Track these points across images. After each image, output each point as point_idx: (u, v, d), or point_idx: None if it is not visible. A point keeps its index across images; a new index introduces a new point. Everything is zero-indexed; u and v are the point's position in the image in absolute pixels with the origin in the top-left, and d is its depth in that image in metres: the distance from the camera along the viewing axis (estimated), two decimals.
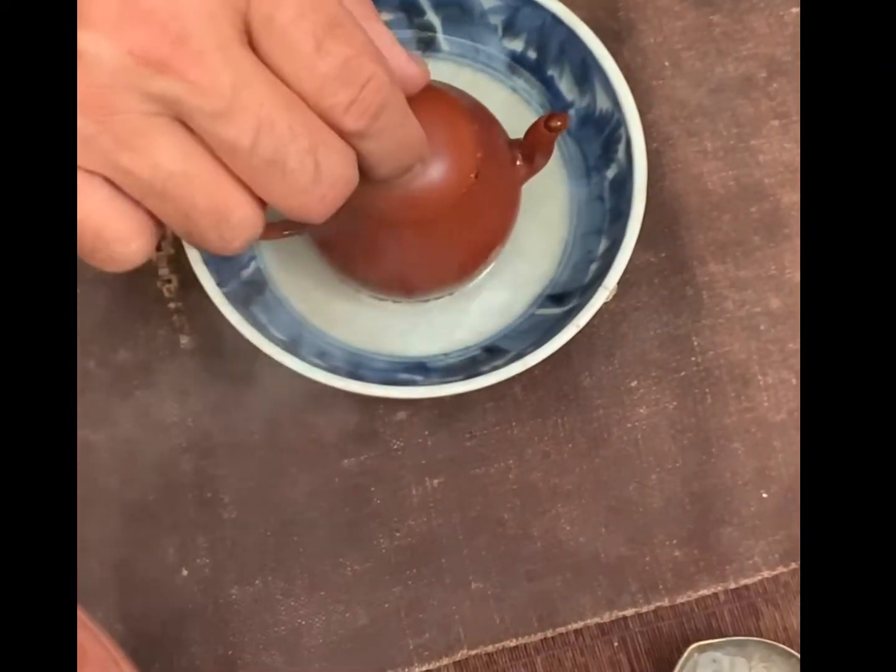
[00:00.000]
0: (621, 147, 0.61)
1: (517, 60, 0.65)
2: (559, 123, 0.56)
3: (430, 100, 0.56)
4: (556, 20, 0.62)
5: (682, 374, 0.64)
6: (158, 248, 0.65)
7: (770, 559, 0.63)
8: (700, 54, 0.68)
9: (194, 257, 0.59)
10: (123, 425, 0.63)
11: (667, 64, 0.67)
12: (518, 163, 0.59)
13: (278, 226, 0.61)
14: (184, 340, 0.64)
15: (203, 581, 0.62)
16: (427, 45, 0.66)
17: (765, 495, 0.63)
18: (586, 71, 0.62)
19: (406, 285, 0.61)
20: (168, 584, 0.62)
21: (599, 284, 0.59)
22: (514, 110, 0.65)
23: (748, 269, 0.65)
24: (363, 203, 0.55)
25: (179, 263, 0.64)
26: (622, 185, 0.61)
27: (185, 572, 0.62)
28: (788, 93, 0.67)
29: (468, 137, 0.55)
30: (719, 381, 0.64)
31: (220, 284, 0.59)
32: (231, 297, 0.59)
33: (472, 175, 0.55)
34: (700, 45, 0.68)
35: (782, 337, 0.64)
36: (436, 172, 0.54)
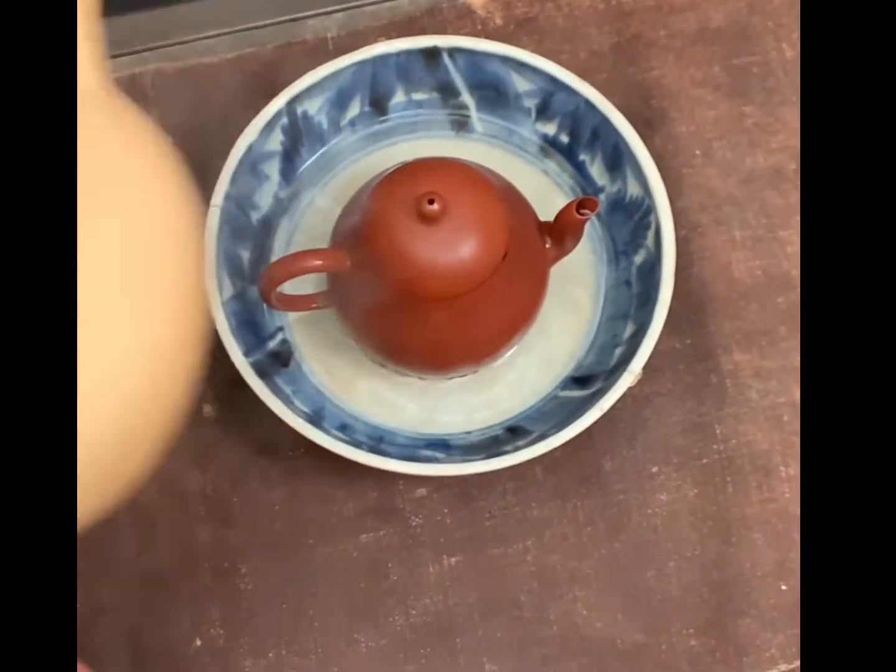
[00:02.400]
0: (650, 234, 0.62)
1: (550, 143, 0.66)
2: (590, 208, 0.56)
3: (463, 180, 0.56)
4: (590, 106, 0.63)
5: (704, 461, 0.64)
6: None
7: (787, 653, 0.62)
8: (731, 144, 0.68)
9: (222, 327, 0.59)
10: (143, 493, 0.63)
11: (698, 153, 0.68)
12: (547, 245, 0.60)
13: (306, 298, 0.62)
14: (207, 409, 0.64)
15: (216, 652, 0.62)
16: (461, 125, 0.66)
17: (784, 587, 0.62)
18: (618, 157, 0.63)
19: (431, 362, 0.61)
20: (181, 653, 0.62)
21: (624, 369, 0.59)
22: (545, 192, 0.65)
23: (773, 359, 0.65)
24: (391, 279, 0.55)
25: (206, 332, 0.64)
26: (650, 271, 0.62)
27: (198, 642, 0.62)
28: None
29: (499, 219, 0.56)
30: (741, 470, 0.64)
31: (246, 354, 0.59)
32: (256, 368, 0.60)
33: (502, 255, 0.56)
34: (732, 136, 0.68)
35: None
36: (465, 252, 0.55)
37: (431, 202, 0.54)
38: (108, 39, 0.69)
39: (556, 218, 0.58)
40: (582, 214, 0.57)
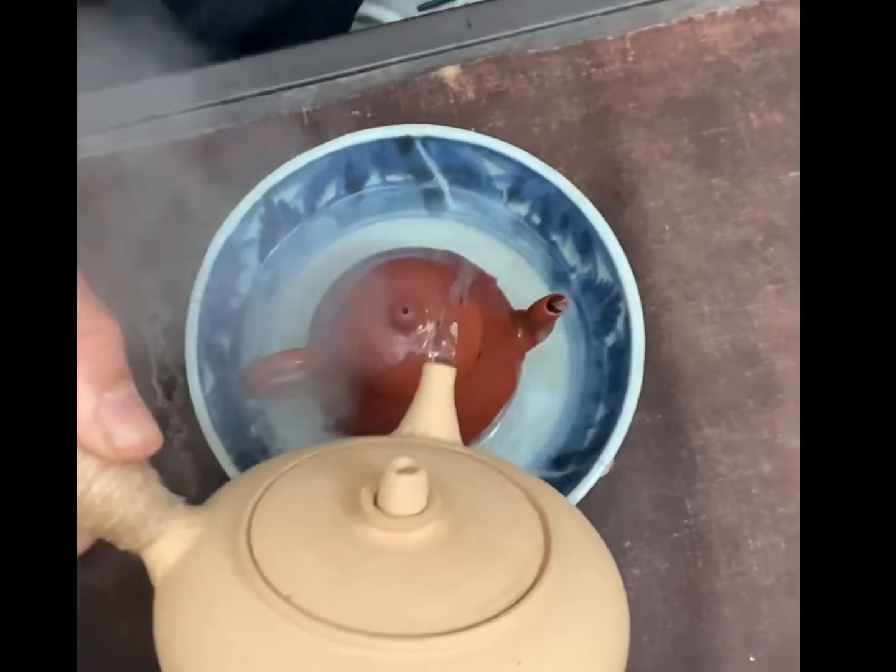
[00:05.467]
0: (620, 319, 0.63)
1: (522, 222, 0.67)
2: (561, 308, 0.58)
3: (437, 284, 0.58)
4: (560, 193, 0.64)
5: (675, 535, 0.66)
6: (170, 398, 0.66)
7: None
8: (700, 218, 0.69)
9: (206, 425, 0.61)
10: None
11: (667, 227, 0.69)
12: (519, 335, 0.61)
13: (286, 388, 0.63)
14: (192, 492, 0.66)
15: None
16: (434, 205, 0.67)
17: (752, 659, 0.64)
18: (588, 243, 0.64)
19: None
20: None
21: (597, 454, 0.61)
22: (517, 270, 0.67)
23: (741, 432, 0.67)
24: (366, 385, 0.57)
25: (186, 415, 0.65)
26: (620, 355, 0.63)
27: None
28: (784, 258, 0.69)
29: (473, 323, 0.57)
30: (711, 544, 0.66)
31: (229, 450, 0.61)
32: (240, 462, 0.61)
33: (475, 358, 0.58)
34: (700, 209, 0.69)
35: (773, 501, 0.66)
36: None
37: (405, 311, 0.56)
38: (86, 117, 0.71)
39: (529, 311, 0.60)
40: (553, 311, 0.58)
